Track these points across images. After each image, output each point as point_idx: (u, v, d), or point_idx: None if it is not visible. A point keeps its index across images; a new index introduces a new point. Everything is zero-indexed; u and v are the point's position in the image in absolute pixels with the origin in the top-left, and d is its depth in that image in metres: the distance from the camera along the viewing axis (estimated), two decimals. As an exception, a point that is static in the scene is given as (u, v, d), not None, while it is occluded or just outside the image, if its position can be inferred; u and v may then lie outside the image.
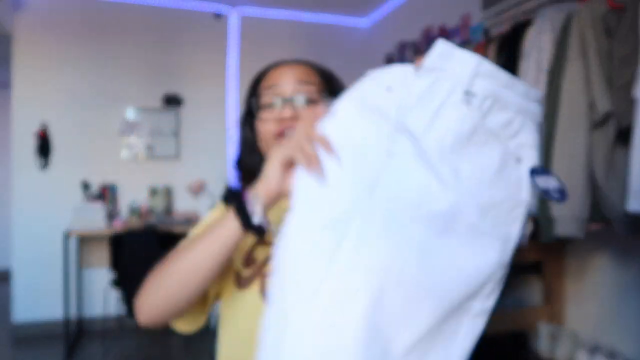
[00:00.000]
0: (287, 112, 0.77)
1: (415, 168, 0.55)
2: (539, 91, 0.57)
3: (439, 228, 0.53)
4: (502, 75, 0.56)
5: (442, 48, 0.56)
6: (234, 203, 0.65)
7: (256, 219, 0.63)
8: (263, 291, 0.76)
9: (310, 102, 0.79)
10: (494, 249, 0.54)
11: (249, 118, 0.87)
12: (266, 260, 0.78)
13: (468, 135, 0.55)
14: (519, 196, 0.56)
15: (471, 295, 0.54)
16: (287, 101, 0.79)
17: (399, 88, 0.58)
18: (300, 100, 0.79)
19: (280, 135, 0.78)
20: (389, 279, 0.52)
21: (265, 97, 0.81)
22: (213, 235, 0.66)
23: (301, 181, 0.59)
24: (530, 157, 0.57)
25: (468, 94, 0.55)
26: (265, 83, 0.83)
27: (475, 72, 0.55)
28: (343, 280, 0.52)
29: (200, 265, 0.66)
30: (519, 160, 0.56)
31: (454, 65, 0.56)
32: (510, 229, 0.56)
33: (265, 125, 0.80)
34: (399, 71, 0.60)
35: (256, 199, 0.63)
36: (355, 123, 0.60)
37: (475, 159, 0.54)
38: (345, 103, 0.62)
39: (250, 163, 0.87)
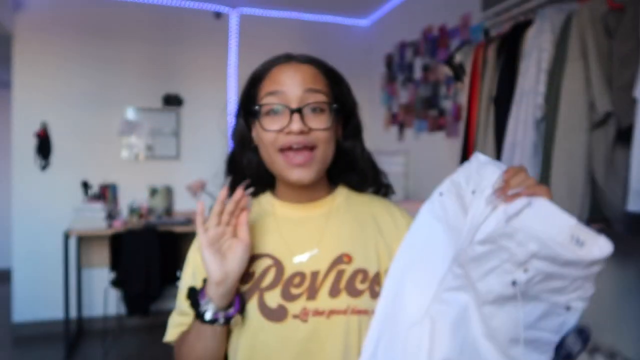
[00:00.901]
0: (295, 126, 0.72)
1: (465, 293, 0.65)
2: (610, 248, 0.57)
3: (483, 334, 0.63)
4: (568, 254, 0.56)
5: (504, 229, 0.60)
6: (190, 303, 0.73)
7: (207, 315, 0.71)
8: (260, 305, 0.74)
9: (318, 111, 0.75)
10: None
11: (246, 114, 0.81)
12: (263, 274, 0.76)
13: (507, 298, 0.60)
14: (555, 337, 0.62)
15: None
16: (295, 112, 0.73)
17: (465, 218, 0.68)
18: (308, 112, 0.74)
19: (286, 149, 0.74)
20: None
21: (269, 104, 0.75)
22: (198, 334, 0.74)
23: (389, 292, 0.73)
24: (578, 307, 0.61)
25: (523, 269, 0.59)
26: (268, 85, 0.76)
27: (533, 254, 0.57)
28: None
29: (208, 354, 0.75)
30: (568, 308, 0.61)
31: (512, 244, 0.59)
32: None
33: (268, 136, 0.75)
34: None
35: (207, 298, 0.71)
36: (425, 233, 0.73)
37: (511, 313, 0.61)
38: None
39: (242, 161, 0.84)
